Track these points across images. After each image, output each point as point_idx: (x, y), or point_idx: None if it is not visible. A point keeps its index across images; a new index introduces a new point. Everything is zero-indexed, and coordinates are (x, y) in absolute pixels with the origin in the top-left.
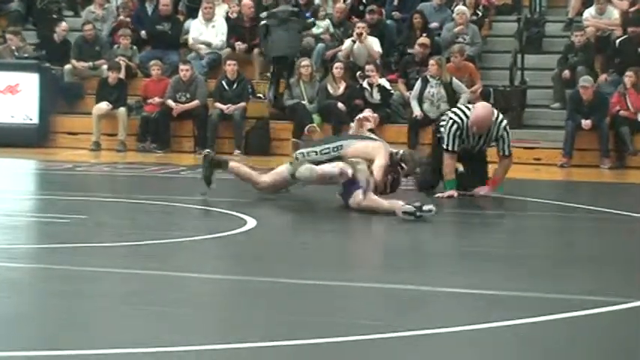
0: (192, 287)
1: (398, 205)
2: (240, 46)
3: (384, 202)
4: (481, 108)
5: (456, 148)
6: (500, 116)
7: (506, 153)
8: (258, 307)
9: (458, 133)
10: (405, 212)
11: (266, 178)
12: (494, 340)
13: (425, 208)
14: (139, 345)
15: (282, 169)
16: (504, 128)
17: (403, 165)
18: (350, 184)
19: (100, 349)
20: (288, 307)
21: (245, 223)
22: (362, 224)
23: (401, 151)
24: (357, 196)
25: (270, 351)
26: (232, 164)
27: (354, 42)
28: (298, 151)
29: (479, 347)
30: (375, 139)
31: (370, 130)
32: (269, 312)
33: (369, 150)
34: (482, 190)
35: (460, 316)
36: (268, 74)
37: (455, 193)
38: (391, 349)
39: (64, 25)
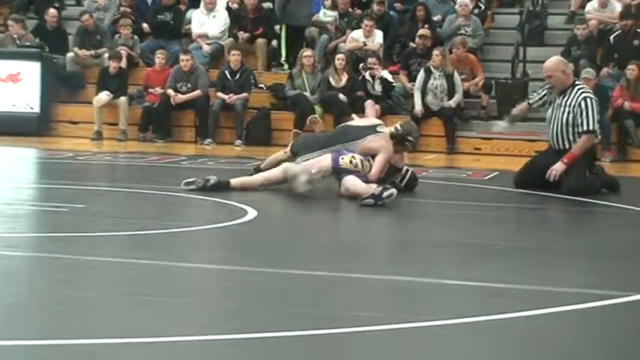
0: (192, 277)
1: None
2: (242, 35)
3: (363, 188)
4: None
5: (531, 101)
6: (583, 86)
7: (584, 128)
8: (258, 297)
9: (544, 91)
10: (363, 204)
11: (268, 178)
12: (495, 332)
13: (384, 194)
14: (137, 335)
15: (280, 170)
16: (584, 98)
17: (409, 138)
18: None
19: (98, 339)
20: (288, 297)
21: (246, 213)
22: (363, 215)
23: (399, 126)
24: (347, 181)
25: (269, 342)
26: (234, 182)
27: (365, 43)
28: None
29: (480, 340)
30: (379, 131)
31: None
32: (269, 303)
33: (372, 147)
34: (554, 170)
35: (461, 309)
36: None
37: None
38: (392, 341)
39: (52, 11)
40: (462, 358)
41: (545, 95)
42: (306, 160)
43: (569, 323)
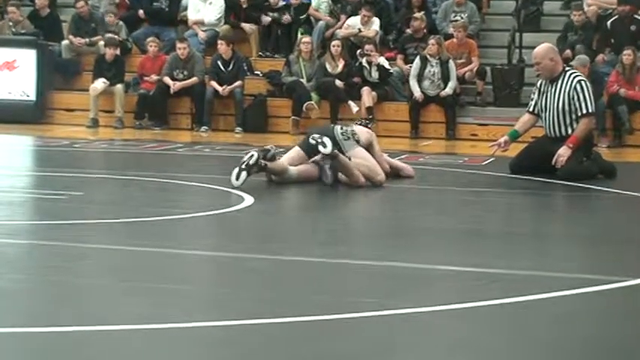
0: (189, 264)
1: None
2: (245, 26)
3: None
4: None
5: (530, 108)
6: (574, 71)
7: (583, 111)
8: (253, 284)
9: (535, 88)
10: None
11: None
12: (491, 318)
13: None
14: (133, 321)
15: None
16: (579, 82)
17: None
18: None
19: (95, 326)
20: (284, 284)
21: (242, 200)
22: (359, 202)
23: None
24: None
25: (264, 328)
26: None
27: (360, 30)
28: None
29: (475, 325)
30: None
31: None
32: (264, 289)
33: (369, 137)
34: (560, 156)
35: (457, 294)
36: None
37: (502, 140)
38: (387, 326)
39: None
40: (457, 344)
41: (539, 88)
42: None
43: (565, 308)
